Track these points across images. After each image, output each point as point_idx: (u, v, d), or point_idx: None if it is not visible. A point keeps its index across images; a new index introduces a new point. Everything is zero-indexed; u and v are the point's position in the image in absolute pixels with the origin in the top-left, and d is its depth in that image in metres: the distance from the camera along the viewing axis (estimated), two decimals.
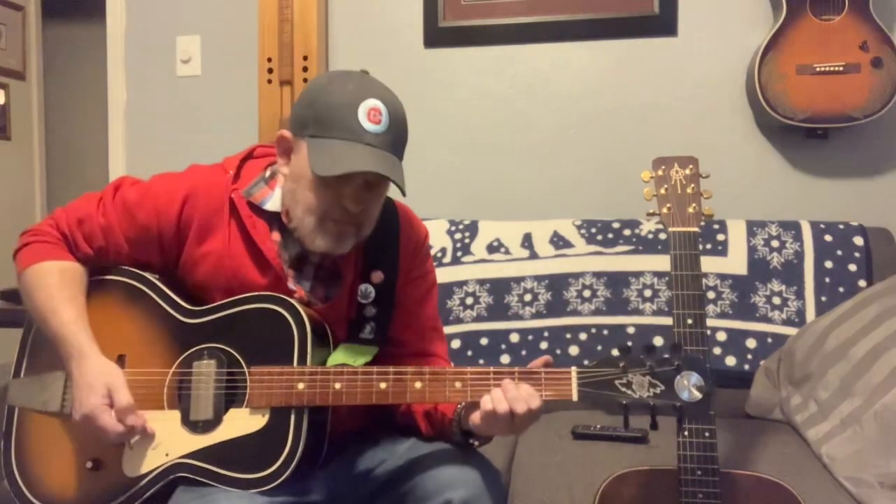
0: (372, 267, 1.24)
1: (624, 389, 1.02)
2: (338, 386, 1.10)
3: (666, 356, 1.03)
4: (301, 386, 1.10)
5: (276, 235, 1.22)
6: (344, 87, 1.11)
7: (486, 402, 1.05)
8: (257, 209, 1.21)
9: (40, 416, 1.21)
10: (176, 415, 1.15)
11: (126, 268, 1.24)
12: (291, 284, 1.21)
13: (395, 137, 1.12)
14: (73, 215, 1.24)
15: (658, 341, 1.84)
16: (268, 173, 1.24)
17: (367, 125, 1.09)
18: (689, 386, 1.01)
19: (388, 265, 1.25)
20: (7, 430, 1.23)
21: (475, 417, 1.09)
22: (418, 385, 1.09)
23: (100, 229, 1.22)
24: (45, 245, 1.23)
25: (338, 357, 1.17)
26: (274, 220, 1.22)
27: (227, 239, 1.20)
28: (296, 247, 1.21)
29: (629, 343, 1.70)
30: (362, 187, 1.12)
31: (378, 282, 1.24)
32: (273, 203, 1.20)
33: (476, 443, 1.16)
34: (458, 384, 1.08)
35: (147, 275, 1.23)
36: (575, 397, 1.04)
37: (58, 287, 1.19)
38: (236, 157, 1.26)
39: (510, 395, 1.04)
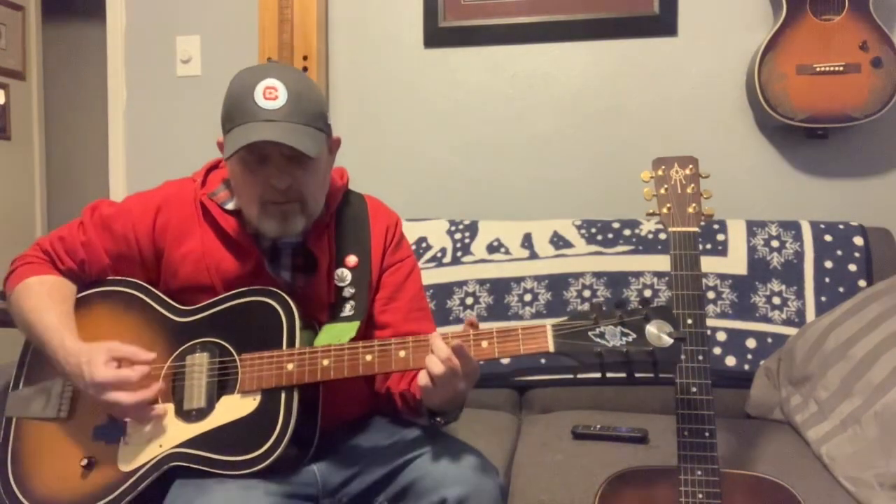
0: (346, 252, 1.30)
1: (597, 339, 1.06)
2: (326, 362, 1.14)
3: (635, 307, 1.07)
4: (290, 366, 1.14)
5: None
6: (241, 78, 1.18)
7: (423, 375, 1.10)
8: (223, 210, 1.26)
9: (35, 423, 1.24)
10: (170, 407, 1.17)
11: (119, 277, 1.28)
12: (271, 271, 1.26)
13: (297, 108, 1.16)
14: (55, 235, 1.32)
15: None
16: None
17: (263, 103, 1.14)
18: (658, 332, 1.05)
19: (361, 248, 1.31)
20: (4, 440, 1.25)
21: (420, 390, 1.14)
22: (402, 353, 1.13)
23: (80, 244, 1.28)
24: (29, 266, 1.30)
25: (322, 339, 1.20)
26: (240, 219, 1.27)
27: (202, 238, 1.26)
28: (266, 239, 1.26)
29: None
30: (282, 162, 1.17)
31: (353, 265, 1.29)
32: (233, 204, 1.27)
33: (440, 419, 1.20)
34: None
35: (140, 281, 1.27)
36: (552, 348, 1.08)
37: (38, 297, 1.24)
38: (203, 169, 1.33)
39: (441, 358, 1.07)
